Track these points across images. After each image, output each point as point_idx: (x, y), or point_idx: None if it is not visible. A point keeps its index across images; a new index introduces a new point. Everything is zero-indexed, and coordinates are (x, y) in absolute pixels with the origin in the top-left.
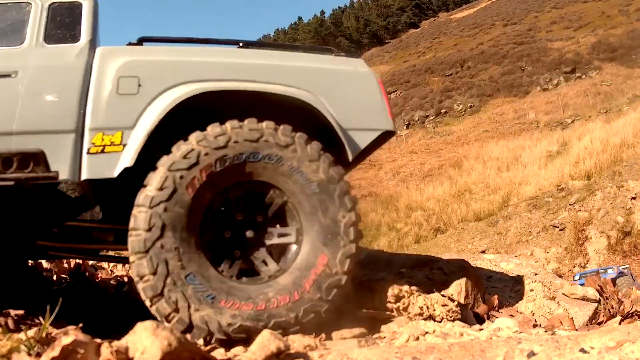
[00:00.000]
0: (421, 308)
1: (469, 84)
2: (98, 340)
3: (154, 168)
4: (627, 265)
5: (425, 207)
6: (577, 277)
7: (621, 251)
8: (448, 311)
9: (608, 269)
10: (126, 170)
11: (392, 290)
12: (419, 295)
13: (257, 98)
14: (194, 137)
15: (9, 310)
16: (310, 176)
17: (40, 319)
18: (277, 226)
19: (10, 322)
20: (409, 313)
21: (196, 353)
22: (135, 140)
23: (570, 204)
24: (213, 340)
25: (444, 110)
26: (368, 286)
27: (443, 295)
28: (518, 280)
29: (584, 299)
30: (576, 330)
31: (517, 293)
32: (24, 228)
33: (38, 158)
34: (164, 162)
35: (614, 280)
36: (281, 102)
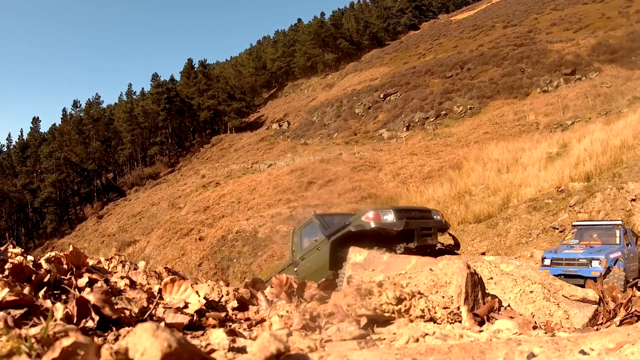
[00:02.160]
0: (422, 310)
1: (469, 86)
2: (98, 342)
3: None
4: (620, 220)
5: None
6: (545, 256)
7: None
8: (449, 313)
9: (592, 257)
10: None
11: (394, 292)
12: (420, 297)
13: None
14: None
15: (10, 310)
16: None
17: (42, 318)
18: None
19: (10, 320)
20: (410, 315)
21: (196, 354)
22: None
23: (570, 206)
24: None
25: (444, 112)
26: (368, 288)
27: (443, 297)
28: (518, 282)
29: (584, 300)
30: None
31: (517, 295)
32: None
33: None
34: None
35: (603, 277)
36: None
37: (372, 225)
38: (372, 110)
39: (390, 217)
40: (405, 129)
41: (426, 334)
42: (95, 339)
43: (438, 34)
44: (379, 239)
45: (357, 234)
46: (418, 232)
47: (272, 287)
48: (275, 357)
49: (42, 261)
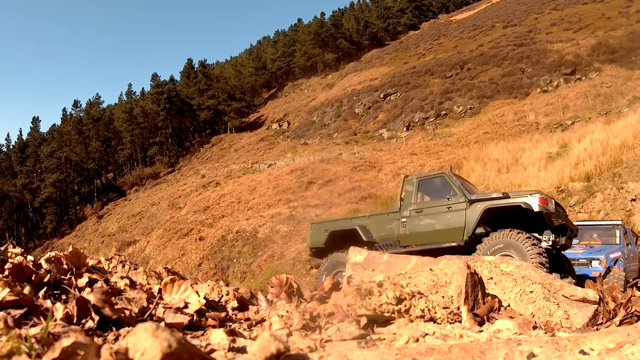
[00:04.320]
0: (422, 310)
1: (468, 86)
2: (98, 342)
3: None
4: (620, 220)
5: None
6: None
7: None
8: (449, 314)
9: (592, 257)
10: None
11: (394, 292)
12: (420, 297)
13: None
14: None
15: (10, 309)
16: None
17: (42, 318)
18: None
19: (10, 320)
20: (410, 315)
21: (196, 354)
22: None
23: (570, 206)
24: None
25: (443, 112)
26: (368, 288)
27: (443, 297)
28: (518, 282)
29: (584, 300)
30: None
31: (517, 295)
32: None
33: None
34: None
35: (603, 277)
36: None
37: (538, 208)
38: (372, 110)
39: (552, 206)
40: (405, 129)
41: (426, 334)
42: (95, 339)
43: (438, 34)
44: (529, 222)
45: (519, 211)
46: (568, 231)
47: (271, 287)
48: (275, 357)
49: (42, 261)
